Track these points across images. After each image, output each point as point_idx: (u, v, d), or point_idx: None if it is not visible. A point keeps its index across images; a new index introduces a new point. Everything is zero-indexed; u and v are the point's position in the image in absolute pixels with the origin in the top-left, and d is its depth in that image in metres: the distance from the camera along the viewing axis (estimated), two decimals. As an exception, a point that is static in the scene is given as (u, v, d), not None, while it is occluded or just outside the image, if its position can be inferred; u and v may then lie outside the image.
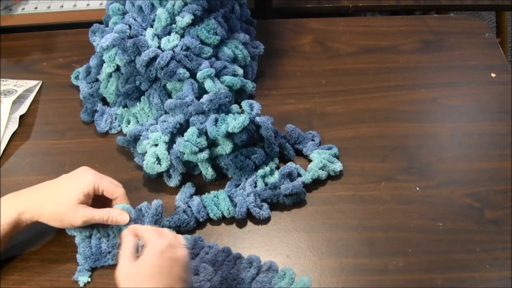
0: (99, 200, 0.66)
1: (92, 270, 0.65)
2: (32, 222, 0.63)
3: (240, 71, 0.80)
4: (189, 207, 0.68)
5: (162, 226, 0.66)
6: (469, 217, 0.69)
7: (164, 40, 0.76)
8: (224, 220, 0.69)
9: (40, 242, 0.68)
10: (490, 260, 0.65)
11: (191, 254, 0.64)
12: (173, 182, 0.72)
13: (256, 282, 0.62)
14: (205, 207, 0.68)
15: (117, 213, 0.64)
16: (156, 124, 0.74)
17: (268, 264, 0.63)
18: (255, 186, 0.71)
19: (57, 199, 0.63)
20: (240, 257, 0.64)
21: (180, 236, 0.61)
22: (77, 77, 0.86)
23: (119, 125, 0.80)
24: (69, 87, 0.87)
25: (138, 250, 0.58)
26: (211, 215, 0.68)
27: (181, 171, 0.71)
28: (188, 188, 0.71)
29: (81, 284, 0.63)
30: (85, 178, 0.64)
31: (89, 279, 0.64)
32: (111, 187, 0.65)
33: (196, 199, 0.69)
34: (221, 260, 0.64)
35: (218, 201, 0.69)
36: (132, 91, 0.79)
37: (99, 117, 0.81)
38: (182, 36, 0.77)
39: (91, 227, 0.67)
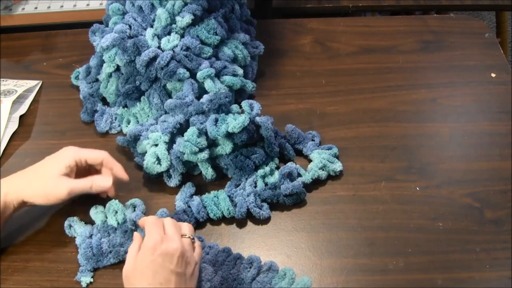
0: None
1: (94, 270, 0.65)
2: (19, 203, 0.63)
3: (240, 71, 0.80)
4: (189, 207, 0.68)
5: None
6: (469, 217, 0.69)
7: (164, 40, 0.76)
8: (224, 220, 0.69)
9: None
10: (490, 260, 0.65)
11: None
12: (173, 182, 0.72)
13: (256, 282, 0.62)
14: (205, 207, 0.68)
15: (100, 179, 0.65)
16: (156, 124, 0.74)
17: (268, 264, 0.63)
18: (255, 186, 0.71)
19: (40, 175, 0.64)
20: (240, 257, 0.64)
21: (186, 226, 0.61)
22: (77, 77, 0.86)
23: (119, 125, 0.80)
24: (69, 87, 0.87)
25: None
26: (211, 215, 0.68)
27: (181, 171, 0.71)
28: (188, 188, 0.71)
29: (84, 285, 0.63)
30: (66, 152, 0.66)
31: (92, 280, 0.64)
32: (92, 153, 0.66)
33: (196, 199, 0.69)
34: (221, 260, 0.64)
35: (218, 201, 0.69)
36: (132, 91, 0.79)
37: (99, 117, 0.81)
38: (182, 36, 0.77)
39: (91, 227, 0.67)
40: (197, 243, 0.61)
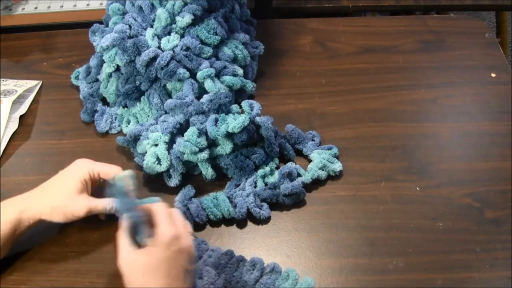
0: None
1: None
2: (34, 221, 0.63)
3: (240, 71, 0.80)
4: (188, 209, 0.68)
5: None
6: (469, 217, 0.69)
7: (164, 40, 0.76)
8: (224, 220, 0.69)
9: (42, 240, 0.68)
10: (490, 260, 0.65)
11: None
12: (173, 182, 0.72)
13: (259, 284, 0.62)
14: (204, 209, 0.68)
15: None
16: (156, 124, 0.74)
17: (271, 266, 0.63)
18: (255, 186, 0.71)
19: (57, 192, 0.63)
20: (243, 259, 0.64)
21: (188, 223, 0.61)
22: (77, 77, 0.86)
23: (119, 125, 0.80)
24: (69, 87, 0.87)
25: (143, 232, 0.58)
26: (211, 217, 0.68)
27: (181, 171, 0.71)
28: (187, 191, 0.71)
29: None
30: (79, 166, 0.65)
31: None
32: (106, 167, 0.65)
33: (195, 202, 0.69)
34: (224, 263, 0.64)
35: (217, 202, 0.69)
36: (132, 91, 0.79)
37: (99, 117, 0.81)
38: (182, 36, 0.77)
39: None
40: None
